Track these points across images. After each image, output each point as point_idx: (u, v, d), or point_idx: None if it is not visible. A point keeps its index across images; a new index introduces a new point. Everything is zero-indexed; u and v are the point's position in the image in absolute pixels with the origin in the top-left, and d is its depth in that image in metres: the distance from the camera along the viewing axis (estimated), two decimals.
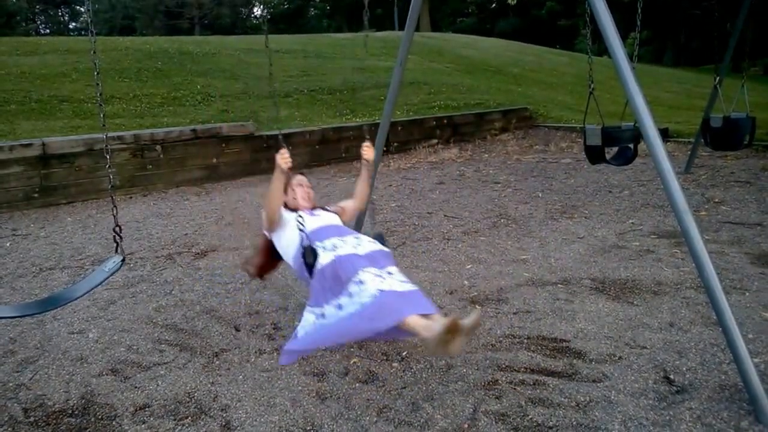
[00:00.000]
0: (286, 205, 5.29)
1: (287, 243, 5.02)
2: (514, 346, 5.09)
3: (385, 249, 4.75)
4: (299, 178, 5.52)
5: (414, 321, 3.89)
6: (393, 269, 4.46)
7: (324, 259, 4.47)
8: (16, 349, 5.44)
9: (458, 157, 14.99)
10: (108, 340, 5.58)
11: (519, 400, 4.28)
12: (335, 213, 5.43)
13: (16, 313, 4.42)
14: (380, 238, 4.99)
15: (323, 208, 5.39)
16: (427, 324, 3.86)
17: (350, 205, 5.74)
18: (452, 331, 3.64)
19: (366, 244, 4.65)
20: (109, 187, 4.61)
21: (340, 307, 4.19)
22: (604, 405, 4.14)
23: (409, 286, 4.25)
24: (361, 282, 4.14)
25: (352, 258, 4.40)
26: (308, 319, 4.37)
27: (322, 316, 4.28)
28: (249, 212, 10.11)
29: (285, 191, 5.28)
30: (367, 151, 5.70)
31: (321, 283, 4.40)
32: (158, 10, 69.22)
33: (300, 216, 4.95)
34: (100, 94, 4.46)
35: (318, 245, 4.61)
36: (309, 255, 4.54)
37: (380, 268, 4.34)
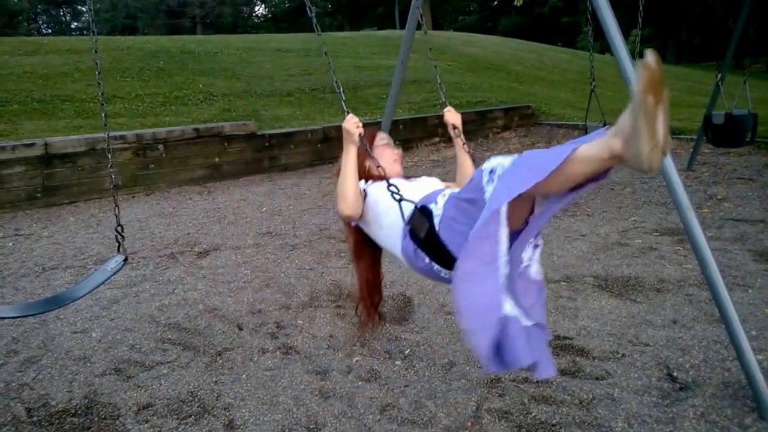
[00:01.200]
0: (366, 178, 4.13)
1: (387, 224, 3.77)
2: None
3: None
4: (381, 136, 4.41)
5: (584, 150, 2.70)
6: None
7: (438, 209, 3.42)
8: (19, 349, 5.45)
9: None
10: (111, 340, 5.58)
11: (522, 397, 4.28)
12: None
13: (18, 313, 4.43)
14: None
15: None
16: (605, 138, 2.67)
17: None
18: (650, 84, 2.53)
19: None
20: (111, 186, 4.60)
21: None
22: (608, 402, 4.14)
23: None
24: (492, 170, 2.98)
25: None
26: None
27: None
28: (251, 211, 10.11)
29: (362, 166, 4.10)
30: (450, 114, 4.83)
31: (452, 232, 3.28)
32: (160, 9, 69.37)
33: (391, 185, 3.72)
34: (102, 94, 4.46)
35: (431, 206, 3.49)
36: (419, 223, 3.46)
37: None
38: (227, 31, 55.89)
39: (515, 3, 47.16)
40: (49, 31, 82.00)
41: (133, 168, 11.75)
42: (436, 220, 3.36)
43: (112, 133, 11.28)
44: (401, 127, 15.30)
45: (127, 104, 15.38)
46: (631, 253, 7.18)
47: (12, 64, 17.10)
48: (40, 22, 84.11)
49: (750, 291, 5.87)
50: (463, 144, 4.70)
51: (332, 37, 29.88)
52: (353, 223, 4.12)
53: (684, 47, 60.08)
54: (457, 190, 3.63)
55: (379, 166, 4.04)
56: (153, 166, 12.01)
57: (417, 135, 15.90)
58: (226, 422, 4.20)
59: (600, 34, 4.85)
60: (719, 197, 9.32)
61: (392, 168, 4.19)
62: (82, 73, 17.00)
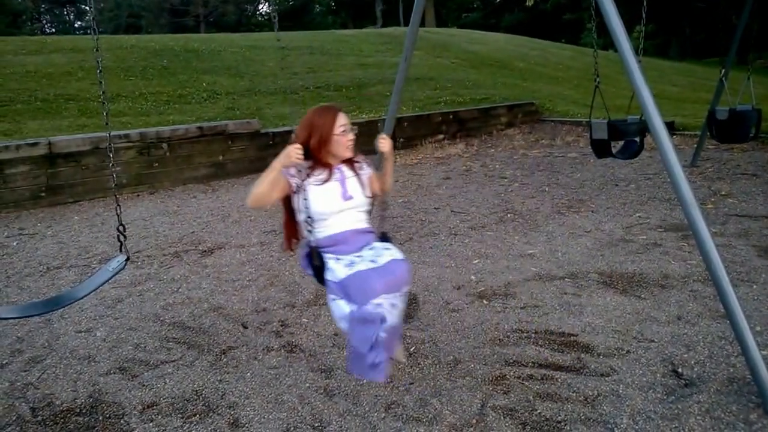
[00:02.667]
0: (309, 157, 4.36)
1: (301, 225, 4.37)
2: (521, 341, 5.08)
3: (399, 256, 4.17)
4: (340, 122, 4.40)
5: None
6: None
7: (339, 273, 4.02)
8: (23, 349, 5.45)
9: (464, 152, 14.98)
10: (115, 339, 5.58)
11: (527, 394, 4.28)
12: (366, 183, 4.57)
13: (21, 313, 4.42)
14: (385, 237, 4.50)
15: (355, 168, 4.55)
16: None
17: (375, 186, 4.79)
18: None
19: (385, 254, 4.12)
20: (113, 185, 4.59)
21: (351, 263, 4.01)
22: (613, 399, 4.13)
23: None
24: (379, 305, 3.86)
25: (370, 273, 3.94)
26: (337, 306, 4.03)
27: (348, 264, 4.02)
28: (255, 210, 10.11)
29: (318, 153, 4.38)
30: (384, 143, 4.74)
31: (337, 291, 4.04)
32: (163, 8, 69.27)
33: (309, 218, 4.19)
34: (104, 93, 4.45)
35: (329, 257, 4.14)
36: (315, 257, 4.11)
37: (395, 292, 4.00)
38: (231, 30, 55.84)
39: (527, 3, 47.10)
40: (53, 30, 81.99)
41: (137, 167, 11.76)
42: (326, 274, 4.08)
43: (116, 132, 11.34)
44: (405, 124, 15.31)
45: (131, 103, 15.40)
46: (636, 249, 7.18)
47: (15, 64, 17.13)
48: (44, 21, 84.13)
49: (754, 286, 5.86)
50: (390, 166, 4.91)
51: (336, 35, 29.89)
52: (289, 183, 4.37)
53: (688, 43, 59.92)
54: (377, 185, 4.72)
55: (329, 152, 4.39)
56: (157, 164, 12.02)
57: (421, 132, 15.91)
58: (231, 421, 4.21)
59: (604, 30, 4.84)
60: (723, 193, 9.31)
61: (343, 154, 4.42)
62: (85, 72, 17.02)
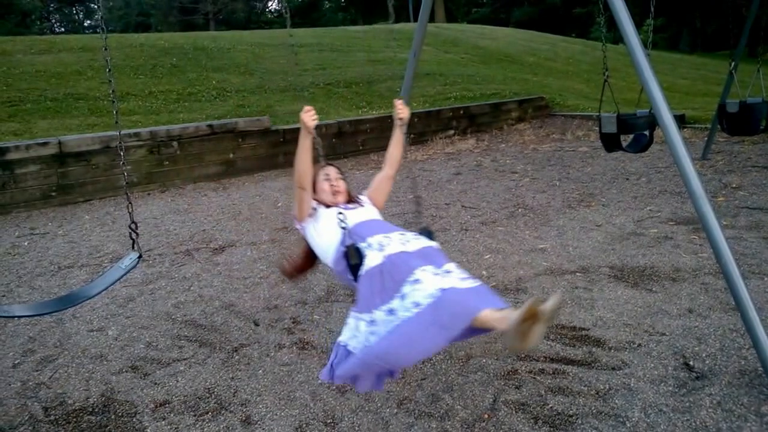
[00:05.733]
0: (319, 201, 4.69)
1: (326, 242, 4.39)
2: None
3: (434, 244, 4.21)
4: (326, 171, 4.87)
5: (487, 315, 3.35)
6: (451, 266, 3.85)
7: (372, 260, 3.90)
8: (35, 348, 5.47)
9: (475, 147, 14.97)
10: (127, 337, 5.60)
11: (539, 389, 4.28)
12: (368, 201, 4.90)
13: (33, 312, 4.43)
14: (427, 233, 4.49)
15: (357, 201, 4.82)
16: (501, 316, 3.32)
17: (379, 179, 5.16)
18: (531, 317, 3.13)
19: (414, 241, 4.10)
20: (124, 184, 4.60)
21: (391, 311, 3.58)
22: (624, 392, 4.13)
23: (472, 282, 3.68)
24: (416, 281, 3.61)
25: (403, 256, 3.87)
26: (355, 326, 3.74)
27: (372, 322, 3.64)
28: (266, 207, 10.13)
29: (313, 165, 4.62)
30: (401, 109, 5.08)
31: (369, 287, 3.80)
32: (173, 6, 69.37)
33: (341, 213, 4.27)
34: (113, 91, 4.46)
35: (362, 245, 4.02)
36: (353, 256, 3.96)
37: (438, 267, 3.79)
38: (240, 27, 55.87)
39: None
40: (62, 29, 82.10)
41: (147, 165, 11.79)
42: (365, 264, 3.91)
43: (126, 131, 11.36)
44: (415, 120, 15.30)
45: (141, 101, 15.42)
46: (647, 242, 7.16)
47: (25, 63, 17.16)
48: (53, 20, 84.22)
49: (765, 279, 5.84)
50: (404, 136, 5.22)
51: (346, 31, 29.88)
52: (297, 226, 4.75)
53: (698, 36, 59.80)
54: (381, 177, 5.07)
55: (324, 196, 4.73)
56: (167, 162, 12.04)
57: (431, 128, 15.91)
58: (243, 418, 4.22)
59: (613, 24, 4.83)
60: (734, 186, 9.28)
61: (334, 200, 4.68)
62: (95, 71, 17.04)
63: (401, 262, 3.79)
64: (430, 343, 3.43)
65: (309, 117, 4.42)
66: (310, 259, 4.91)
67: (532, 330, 3.14)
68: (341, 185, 4.81)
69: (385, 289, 3.71)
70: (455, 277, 3.68)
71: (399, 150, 5.20)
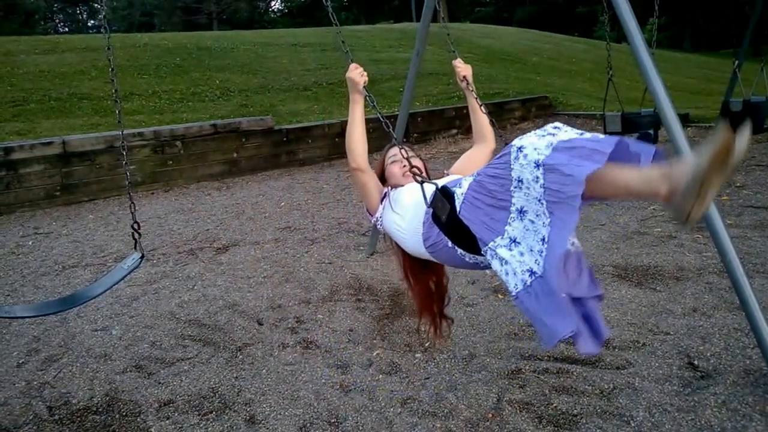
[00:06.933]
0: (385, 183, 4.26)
1: (411, 215, 3.74)
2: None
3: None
4: (390, 154, 4.48)
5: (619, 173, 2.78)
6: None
7: (460, 194, 3.33)
8: (39, 348, 5.47)
9: None
10: (131, 337, 5.60)
11: (543, 388, 4.27)
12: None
13: (37, 312, 4.43)
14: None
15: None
16: (654, 173, 2.70)
17: (473, 156, 4.70)
18: (725, 151, 2.56)
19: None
20: (127, 183, 4.60)
21: (521, 212, 3.00)
22: (629, 392, 4.12)
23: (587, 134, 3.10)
24: (521, 149, 3.03)
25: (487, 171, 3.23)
26: (510, 255, 3.09)
27: (514, 240, 3.07)
28: (270, 206, 10.13)
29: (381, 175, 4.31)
30: (461, 67, 4.77)
31: (476, 212, 3.18)
32: (176, 6, 69.50)
33: (415, 166, 3.65)
34: (116, 91, 4.46)
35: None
36: (440, 205, 3.34)
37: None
38: (243, 27, 55.90)
39: None
40: (66, 29, 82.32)
41: (151, 165, 11.80)
42: (458, 201, 3.29)
43: (129, 130, 11.37)
44: (419, 119, 15.32)
45: (145, 101, 15.44)
46: (651, 241, 7.15)
47: (29, 63, 17.19)
48: (57, 20, 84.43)
49: None
50: (476, 98, 4.81)
51: (348, 31, 29.88)
52: (373, 220, 4.19)
53: (701, 35, 59.80)
54: (476, 152, 4.65)
55: (394, 180, 4.22)
56: (171, 162, 12.05)
57: (435, 127, 15.90)
58: (247, 417, 4.21)
59: (617, 23, 4.82)
60: (738, 184, 9.26)
61: (404, 181, 4.16)
62: (99, 71, 17.05)
63: (490, 172, 3.18)
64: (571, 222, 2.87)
65: (358, 74, 4.14)
66: (430, 272, 4.38)
67: (716, 183, 2.55)
68: (417, 162, 4.00)
69: (496, 200, 3.08)
70: (564, 132, 3.19)
71: (482, 117, 4.80)
